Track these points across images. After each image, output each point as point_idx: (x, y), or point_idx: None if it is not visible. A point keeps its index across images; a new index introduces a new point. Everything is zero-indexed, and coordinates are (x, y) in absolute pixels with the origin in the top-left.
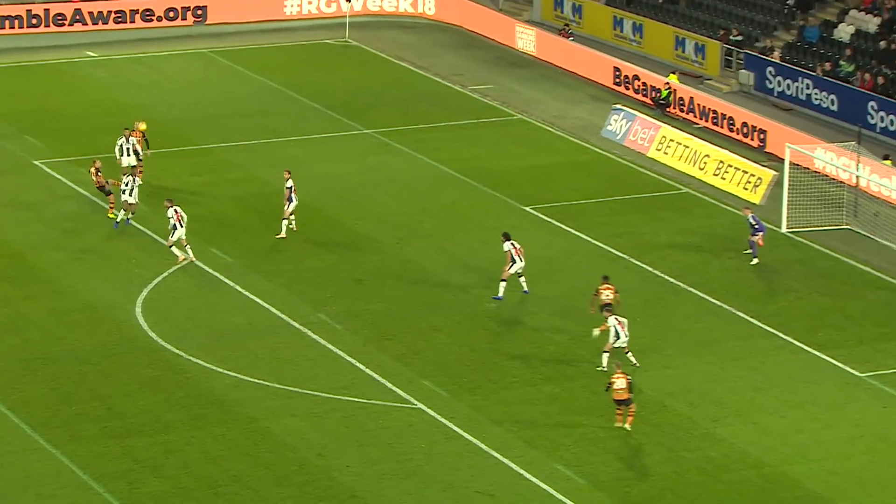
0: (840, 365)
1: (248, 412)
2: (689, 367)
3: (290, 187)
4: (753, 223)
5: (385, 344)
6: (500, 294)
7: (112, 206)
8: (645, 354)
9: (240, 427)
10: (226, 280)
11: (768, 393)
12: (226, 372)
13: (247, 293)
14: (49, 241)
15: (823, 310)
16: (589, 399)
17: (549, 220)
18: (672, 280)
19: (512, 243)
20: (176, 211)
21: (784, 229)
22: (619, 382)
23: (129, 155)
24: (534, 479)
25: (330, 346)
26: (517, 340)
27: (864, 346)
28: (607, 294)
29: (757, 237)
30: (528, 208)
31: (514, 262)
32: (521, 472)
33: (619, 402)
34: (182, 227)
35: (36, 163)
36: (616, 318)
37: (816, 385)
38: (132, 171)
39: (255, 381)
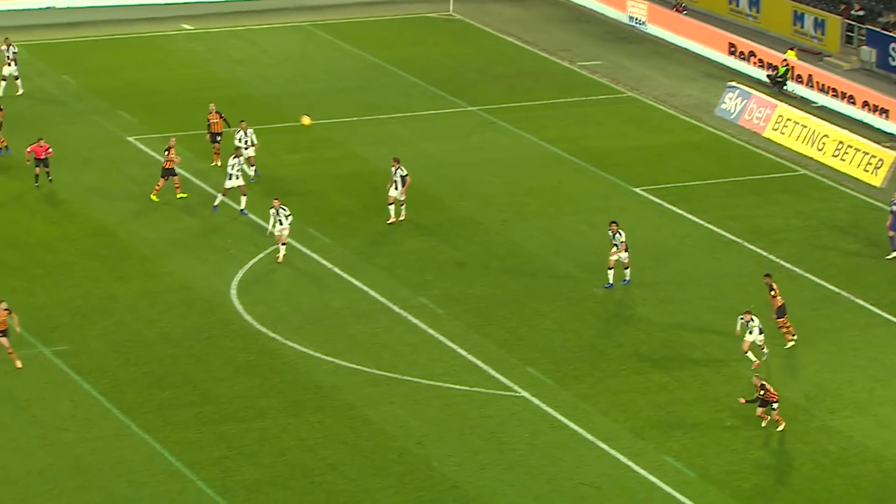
0: None
1: (346, 399)
2: (805, 357)
3: (404, 175)
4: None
5: (487, 329)
6: (611, 281)
7: (178, 186)
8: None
9: (337, 414)
10: (324, 262)
11: (888, 384)
12: (323, 357)
13: (345, 275)
14: (142, 219)
15: None
16: (700, 389)
17: (659, 202)
18: (788, 266)
19: (618, 232)
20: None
21: None
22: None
23: (246, 147)
24: (642, 472)
25: (431, 331)
26: (625, 328)
27: None
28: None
29: None
30: (637, 190)
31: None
32: (629, 463)
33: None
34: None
35: (129, 139)
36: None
37: None
38: (236, 152)
39: (354, 366)
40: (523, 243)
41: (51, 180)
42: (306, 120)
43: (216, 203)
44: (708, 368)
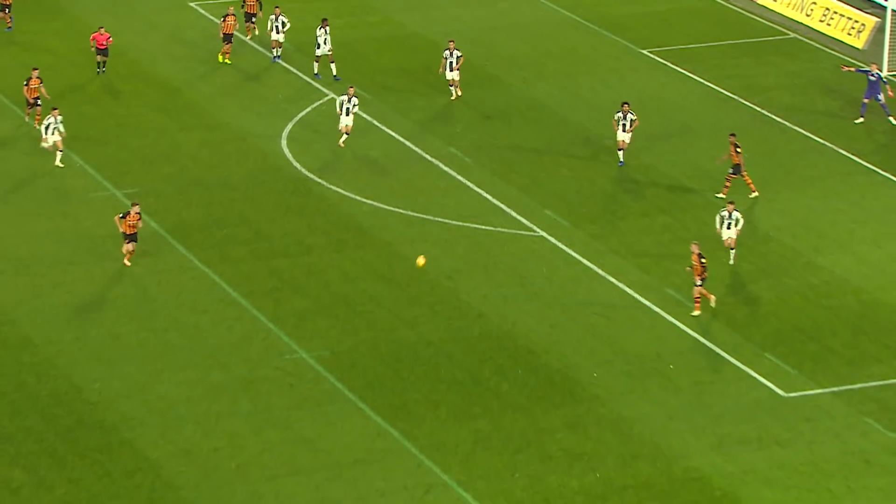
0: None
1: (384, 237)
2: (793, 202)
3: (459, 55)
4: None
5: (510, 176)
6: (622, 160)
7: (226, 52)
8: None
9: (376, 251)
10: (364, 115)
11: (867, 225)
12: (364, 200)
13: (383, 127)
14: (202, 77)
15: None
16: (700, 229)
17: (664, 62)
18: (779, 120)
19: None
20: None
21: (885, 72)
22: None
23: (278, 32)
24: (647, 303)
25: (460, 178)
26: (633, 175)
27: None
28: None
29: (882, 95)
30: (645, 51)
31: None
32: (635, 295)
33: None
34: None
35: (191, 4)
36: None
37: None
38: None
39: (391, 208)
40: (543, 99)
41: (103, 71)
42: (421, 260)
43: (275, 55)
44: (706, 211)
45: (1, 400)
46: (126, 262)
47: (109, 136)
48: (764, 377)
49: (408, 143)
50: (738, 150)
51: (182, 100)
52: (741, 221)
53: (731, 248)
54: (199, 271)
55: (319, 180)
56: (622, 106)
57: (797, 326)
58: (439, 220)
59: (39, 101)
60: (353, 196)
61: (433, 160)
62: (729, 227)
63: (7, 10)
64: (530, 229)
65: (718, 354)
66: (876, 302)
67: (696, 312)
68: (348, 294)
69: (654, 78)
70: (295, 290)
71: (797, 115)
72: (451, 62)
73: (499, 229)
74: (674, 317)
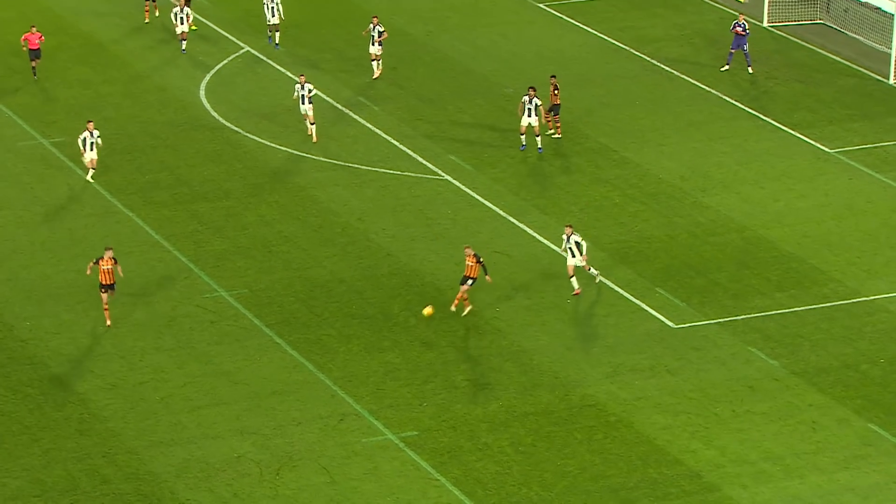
0: (812, 142)
1: (298, 182)
2: (681, 145)
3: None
4: (739, 29)
5: (416, 123)
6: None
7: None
8: (644, 134)
9: (291, 195)
10: (276, 66)
11: (750, 167)
12: (279, 147)
13: (296, 78)
14: (125, 33)
15: (799, 94)
16: (594, 173)
17: (560, 15)
18: (667, 68)
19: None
20: None
21: (766, 23)
22: (471, 260)
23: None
24: (546, 242)
25: (368, 125)
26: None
27: (834, 126)
28: None
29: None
30: (541, 5)
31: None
32: (535, 234)
33: (469, 281)
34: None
35: None
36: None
37: (792, 160)
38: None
39: (304, 154)
40: (446, 51)
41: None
42: (428, 310)
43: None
44: (599, 154)
45: None
46: (108, 321)
47: (36, 88)
48: (655, 310)
49: (319, 93)
50: (556, 91)
51: (105, 54)
52: (584, 245)
53: (590, 269)
54: (123, 215)
55: (236, 129)
56: (529, 90)
57: (686, 262)
58: (350, 165)
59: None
60: (268, 143)
61: (344, 109)
62: (573, 255)
63: None
64: (435, 173)
65: (613, 289)
66: (759, 238)
67: (454, 308)
68: (265, 236)
69: (550, 31)
70: (214, 232)
71: (684, 65)
72: (372, 36)
73: (406, 174)
74: None
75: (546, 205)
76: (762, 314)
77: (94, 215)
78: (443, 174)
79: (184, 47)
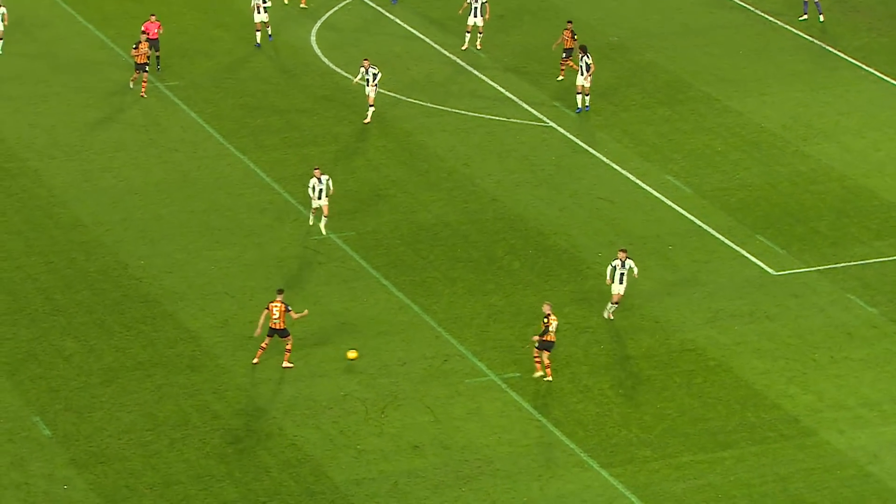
0: None
1: (405, 127)
2: (782, 94)
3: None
4: None
5: (522, 71)
6: (579, 106)
7: None
8: (746, 83)
9: (398, 140)
10: (386, 13)
11: (851, 116)
12: (387, 92)
13: (406, 25)
14: None
15: None
16: (696, 121)
17: None
18: (770, 19)
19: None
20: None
21: None
22: (554, 325)
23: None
24: (647, 188)
25: (475, 72)
26: (635, 70)
27: None
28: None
29: None
30: None
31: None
32: (637, 181)
33: (548, 346)
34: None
35: None
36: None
37: (894, 110)
38: None
39: (412, 100)
40: (556, 2)
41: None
42: (352, 353)
43: None
44: (702, 104)
45: (53, 275)
46: (286, 363)
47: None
48: (755, 257)
49: (427, 40)
50: (575, 37)
51: (213, 0)
52: (636, 270)
53: (615, 304)
54: (234, 157)
55: (346, 74)
56: (580, 49)
57: (786, 210)
58: (456, 111)
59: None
60: (376, 89)
61: (451, 55)
62: (622, 281)
63: None
64: (540, 120)
65: (713, 236)
66: (859, 187)
67: (538, 373)
68: (373, 180)
69: None
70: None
71: (787, 14)
72: (475, 7)
73: (511, 120)
74: (672, 201)
75: (648, 152)
76: (861, 262)
77: (207, 157)
78: (548, 121)
79: (258, 40)
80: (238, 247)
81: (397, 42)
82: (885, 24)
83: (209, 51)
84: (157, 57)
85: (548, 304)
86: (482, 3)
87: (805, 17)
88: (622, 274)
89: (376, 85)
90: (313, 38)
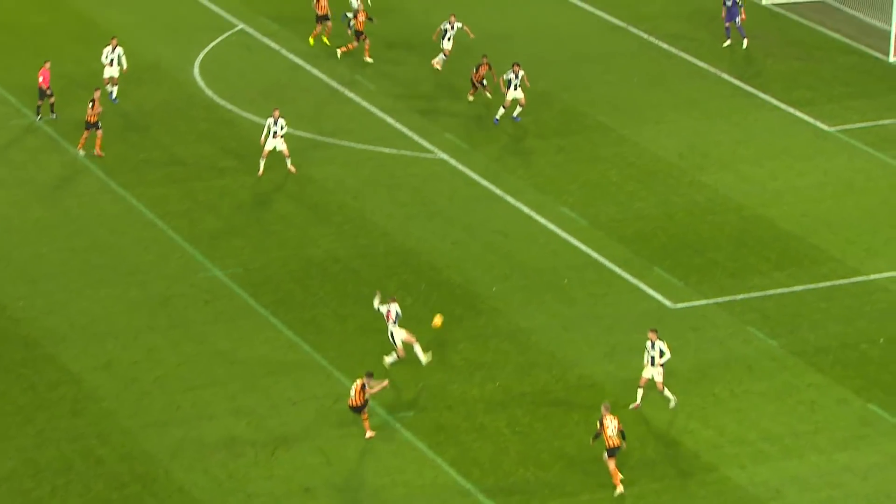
0: (812, 120)
1: (294, 160)
2: (679, 123)
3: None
4: (728, 5)
5: (412, 102)
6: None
7: (317, 33)
8: (641, 112)
9: (286, 173)
10: (272, 44)
11: (748, 145)
12: None
13: (291, 56)
14: (116, 8)
15: (798, 72)
16: (591, 150)
17: None
18: (665, 45)
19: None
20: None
21: (764, 1)
22: (612, 427)
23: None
24: (542, 220)
25: (364, 103)
26: (529, 98)
27: (833, 104)
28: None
29: (738, 18)
30: None
31: None
32: (532, 213)
33: (611, 452)
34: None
35: None
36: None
37: (791, 138)
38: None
39: (299, 133)
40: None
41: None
42: (437, 320)
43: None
44: (597, 133)
45: None
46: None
47: (28, 66)
48: (653, 289)
49: (314, 70)
50: (489, 69)
51: (96, 29)
52: (667, 353)
53: (663, 392)
54: (117, 194)
55: (231, 107)
56: (513, 66)
57: (683, 241)
58: (345, 143)
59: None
60: (263, 121)
61: (339, 87)
62: (653, 364)
63: None
64: (431, 152)
65: (610, 268)
66: (757, 217)
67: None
68: (260, 214)
69: (547, 7)
70: (209, 210)
71: (682, 42)
72: (449, 35)
73: (402, 152)
74: (568, 233)
75: (543, 183)
76: (761, 293)
77: (88, 194)
78: (439, 152)
79: (114, 95)
80: (121, 285)
81: (283, 73)
82: (781, 50)
83: (89, 83)
84: (52, 104)
85: (606, 406)
86: (458, 29)
87: (728, 42)
88: (652, 357)
89: (283, 136)
90: (196, 70)
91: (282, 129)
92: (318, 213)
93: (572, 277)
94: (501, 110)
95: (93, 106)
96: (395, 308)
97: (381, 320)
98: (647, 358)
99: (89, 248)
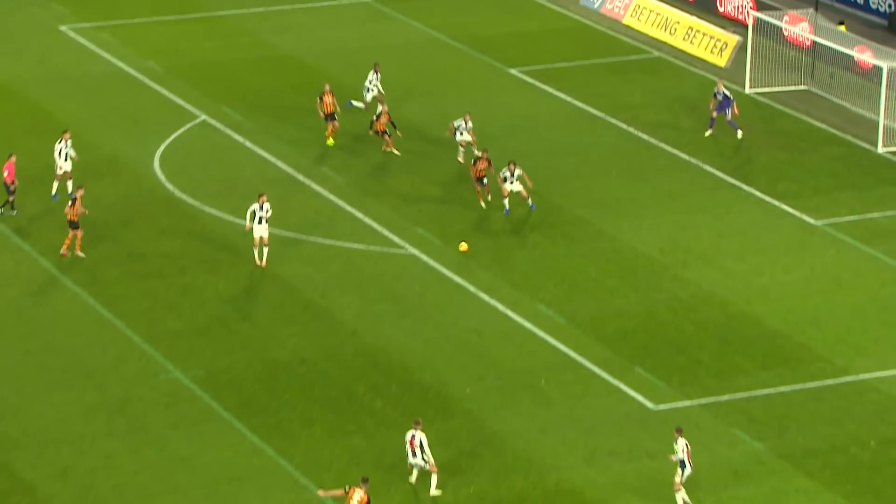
0: (797, 213)
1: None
2: (659, 217)
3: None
4: (720, 98)
5: (381, 195)
6: (507, 207)
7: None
8: (620, 205)
9: (250, 271)
10: (236, 136)
11: (732, 239)
12: (237, 220)
13: (255, 148)
14: (74, 99)
15: (783, 163)
16: (568, 246)
17: (532, 81)
18: (645, 137)
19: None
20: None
21: (748, 90)
22: None
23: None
24: (518, 318)
25: (332, 197)
26: (500, 193)
27: (820, 197)
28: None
29: (729, 111)
30: (512, 70)
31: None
32: (507, 311)
33: None
34: None
35: (61, 28)
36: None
37: (776, 232)
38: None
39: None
40: (413, 119)
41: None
42: (464, 246)
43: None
44: (575, 227)
45: None
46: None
47: None
48: (633, 390)
49: (279, 163)
50: (491, 164)
51: (52, 123)
52: (684, 460)
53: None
54: (72, 293)
55: (192, 201)
56: (509, 164)
57: (665, 339)
58: (312, 239)
59: None
60: (225, 216)
61: (305, 180)
62: (682, 467)
63: None
64: (401, 247)
65: (589, 369)
66: (742, 314)
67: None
68: (223, 314)
69: (522, 97)
70: (169, 310)
71: (662, 132)
72: (462, 129)
73: (371, 248)
74: (545, 332)
75: (518, 279)
76: (746, 394)
77: (42, 293)
78: (409, 248)
79: (54, 190)
80: (77, 389)
81: (247, 165)
82: (764, 141)
83: (44, 177)
84: (12, 201)
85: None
86: (469, 126)
87: (710, 132)
88: (682, 460)
89: (268, 223)
90: (156, 163)
91: (267, 213)
92: (284, 312)
93: (549, 378)
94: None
95: (73, 204)
96: (420, 436)
97: (350, 423)
98: (675, 459)
99: (43, 350)
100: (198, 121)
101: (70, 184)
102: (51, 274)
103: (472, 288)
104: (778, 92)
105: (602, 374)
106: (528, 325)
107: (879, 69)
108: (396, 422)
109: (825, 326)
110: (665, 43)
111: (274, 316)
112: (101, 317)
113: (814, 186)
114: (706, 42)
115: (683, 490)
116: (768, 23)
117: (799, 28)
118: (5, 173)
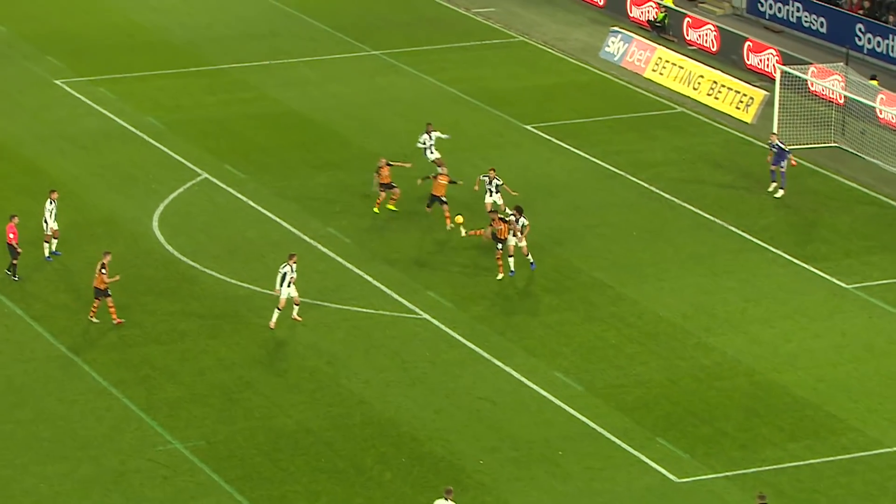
0: (828, 277)
1: (261, 322)
2: (682, 280)
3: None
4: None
5: (392, 257)
6: (513, 269)
7: (393, 198)
8: (641, 268)
9: (252, 336)
10: (239, 195)
11: (759, 304)
12: (239, 283)
13: (259, 208)
14: (69, 156)
15: (812, 224)
16: (586, 310)
17: (549, 138)
18: (667, 196)
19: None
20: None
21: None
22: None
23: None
24: (534, 386)
25: (339, 259)
26: (518, 254)
27: (851, 259)
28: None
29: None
30: (528, 127)
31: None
32: (522, 379)
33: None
34: None
35: (57, 82)
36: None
37: (805, 296)
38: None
39: (268, 292)
40: (422, 175)
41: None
42: (459, 219)
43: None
44: (594, 290)
45: None
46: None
47: None
48: (656, 462)
49: (284, 224)
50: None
51: (47, 180)
52: None
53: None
54: (66, 359)
55: (193, 263)
56: (515, 209)
57: (689, 409)
58: (318, 303)
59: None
60: (227, 279)
61: (311, 241)
62: None
63: None
64: (412, 311)
65: (608, 439)
66: (769, 383)
67: None
68: (224, 381)
69: (538, 154)
70: (168, 377)
71: (686, 191)
72: (490, 188)
73: (380, 312)
74: (562, 400)
75: (534, 346)
76: (774, 467)
77: (35, 360)
78: (421, 312)
79: (47, 252)
80: (71, 460)
81: (250, 226)
82: (793, 200)
83: (38, 239)
84: (16, 266)
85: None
86: (496, 184)
87: (775, 185)
88: None
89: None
90: (155, 223)
91: (294, 273)
92: (289, 380)
93: (567, 449)
94: (511, 260)
95: (103, 269)
96: None
97: (359, 496)
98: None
99: (35, 420)
100: (199, 179)
101: (55, 243)
102: (44, 339)
103: (485, 354)
104: (806, 149)
105: (622, 445)
106: (544, 393)
107: None
108: (406, 495)
109: (857, 396)
110: (688, 97)
111: (278, 384)
112: (96, 384)
113: (845, 248)
114: (731, 97)
115: None
116: (796, 77)
117: (828, 82)
118: (10, 236)
